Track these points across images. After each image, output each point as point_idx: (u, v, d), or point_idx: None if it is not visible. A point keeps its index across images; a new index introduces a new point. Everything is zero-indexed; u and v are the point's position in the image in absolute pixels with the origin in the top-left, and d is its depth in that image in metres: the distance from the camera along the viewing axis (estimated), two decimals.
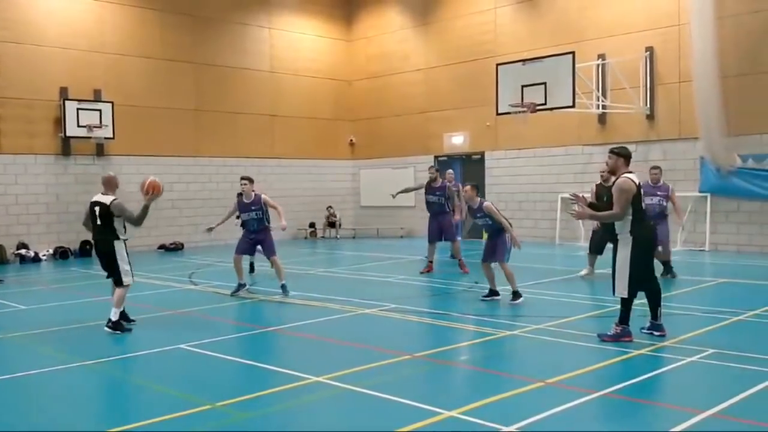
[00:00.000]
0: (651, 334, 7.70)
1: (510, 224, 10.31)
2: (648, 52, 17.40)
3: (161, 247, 19.78)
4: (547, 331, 8.22)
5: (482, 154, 21.11)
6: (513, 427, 4.98)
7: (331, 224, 23.41)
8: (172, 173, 20.13)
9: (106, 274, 8.82)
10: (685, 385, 6.23)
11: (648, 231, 7.60)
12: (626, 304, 7.57)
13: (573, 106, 15.71)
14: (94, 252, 9.03)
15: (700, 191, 16.77)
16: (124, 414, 5.81)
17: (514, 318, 8.93)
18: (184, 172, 20.45)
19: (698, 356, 6.83)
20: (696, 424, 5.00)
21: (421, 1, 22.42)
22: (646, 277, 7.59)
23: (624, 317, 7.59)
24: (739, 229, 16.35)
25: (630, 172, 7.57)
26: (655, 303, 7.70)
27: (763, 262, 14.30)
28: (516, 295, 10.13)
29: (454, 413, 5.30)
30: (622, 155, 7.65)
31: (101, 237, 8.64)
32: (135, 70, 19.68)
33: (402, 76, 22.99)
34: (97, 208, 8.58)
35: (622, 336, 7.57)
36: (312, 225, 23.32)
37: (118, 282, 8.63)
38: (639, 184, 7.51)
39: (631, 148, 18.10)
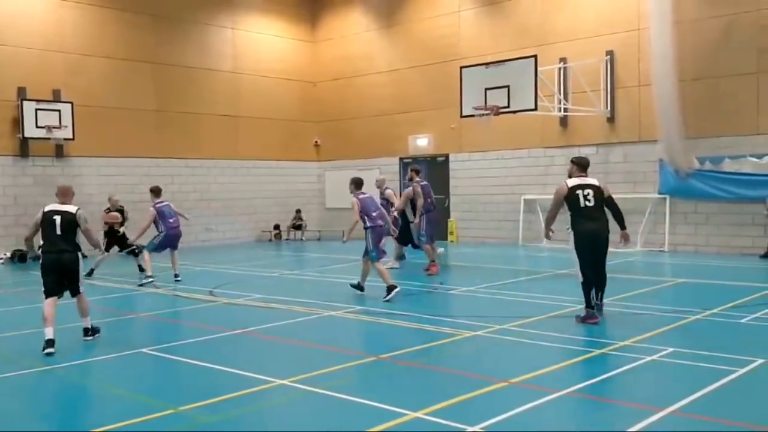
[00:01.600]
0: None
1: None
2: (608, 56, 17.69)
3: (130, 251, 19.41)
4: (511, 331, 8.31)
5: (447, 156, 21.24)
6: (477, 427, 5.02)
7: (297, 226, 23.33)
8: (133, 175, 19.86)
9: (53, 289, 7.91)
10: (645, 383, 6.34)
11: (580, 226, 8.57)
12: (584, 288, 8.54)
13: (535, 109, 15.90)
14: (46, 264, 7.93)
15: (660, 193, 17.10)
16: (84, 420, 5.71)
17: (477, 319, 9.00)
18: (145, 174, 20.16)
19: (658, 355, 6.96)
20: (656, 422, 5.10)
21: (386, 3, 22.47)
22: (594, 266, 8.59)
23: (587, 300, 8.51)
24: (697, 230, 16.72)
25: (580, 176, 8.74)
26: (599, 286, 8.68)
27: (720, 262, 14.64)
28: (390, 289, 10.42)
29: (419, 414, 5.33)
30: (574, 162, 8.98)
31: (65, 248, 7.93)
32: (95, 70, 19.37)
33: (367, 77, 23.02)
34: (57, 218, 7.96)
35: (587, 318, 8.46)
36: (276, 227, 23.21)
37: (75, 292, 8.10)
38: (573, 185, 8.62)
39: (591, 150, 18.65)
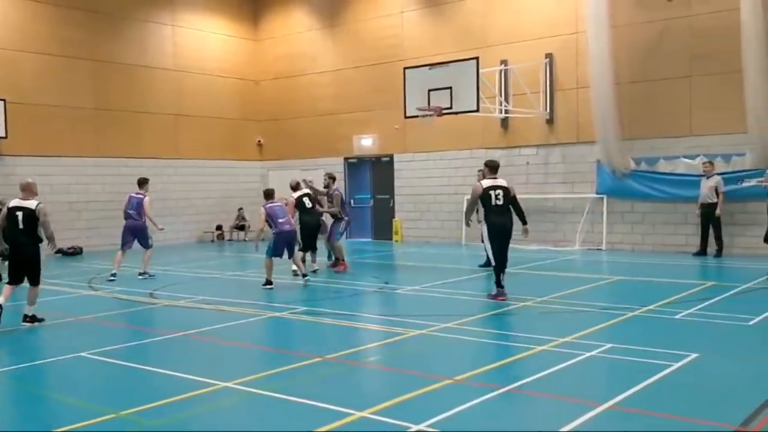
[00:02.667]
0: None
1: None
2: (547, 59, 18.05)
3: (59, 251, 18.88)
4: (454, 329, 8.41)
5: (391, 156, 21.32)
6: (423, 425, 5.07)
7: (240, 227, 23.06)
8: (71, 174, 19.33)
9: (12, 278, 8.90)
10: (584, 378, 6.51)
11: (491, 221, 10.22)
12: (496, 271, 10.24)
13: (477, 110, 16.11)
14: (9, 256, 8.99)
15: (597, 193, 17.54)
16: (21, 426, 5.53)
17: (422, 317, 9.08)
18: (83, 173, 19.66)
19: (597, 351, 7.15)
20: (595, 416, 5.24)
21: (328, 3, 22.42)
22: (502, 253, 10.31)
23: (498, 281, 10.22)
24: (633, 228, 17.21)
25: (492, 178, 10.33)
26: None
27: (655, 260, 15.10)
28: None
29: (365, 413, 5.35)
30: (487, 165, 10.60)
31: (26, 241, 8.76)
32: (29, 67, 18.75)
33: (310, 77, 22.92)
34: (19, 213, 8.73)
35: (497, 296, 10.16)
36: (219, 227, 22.90)
37: (35, 282, 8.89)
38: (487, 186, 10.19)
39: (532, 151, 18.99)
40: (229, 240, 22.89)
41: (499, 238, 10.25)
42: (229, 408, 5.77)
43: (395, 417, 5.25)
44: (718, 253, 15.16)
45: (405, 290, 11.60)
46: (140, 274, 13.54)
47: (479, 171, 12.80)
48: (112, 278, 13.09)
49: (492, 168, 10.51)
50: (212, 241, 22.50)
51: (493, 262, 10.38)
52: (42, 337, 8.37)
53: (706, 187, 15.24)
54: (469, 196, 11.44)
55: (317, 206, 14.05)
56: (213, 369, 6.82)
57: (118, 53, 20.55)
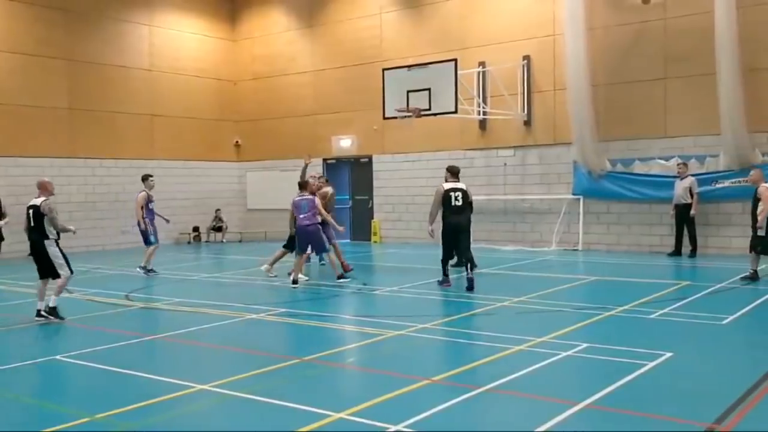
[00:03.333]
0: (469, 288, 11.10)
1: None
2: (525, 61, 18.16)
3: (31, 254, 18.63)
4: (432, 329, 8.42)
5: (370, 157, 21.32)
6: (401, 426, 5.07)
7: (217, 228, 22.92)
8: (45, 175, 18.78)
9: (38, 273, 9.45)
10: (561, 378, 6.55)
11: (448, 219, 11.45)
12: (443, 263, 11.63)
13: (456, 112, 16.16)
14: (30, 254, 9.57)
15: (574, 194, 17.68)
16: None
17: (400, 318, 9.09)
18: (58, 174, 19.36)
19: (573, 351, 7.20)
20: (572, 415, 5.27)
21: (306, 3, 22.37)
22: (455, 249, 11.62)
23: (444, 270, 11.64)
24: (609, 229, 17.37)
25: (453, 181, 11.69)
26: (468, 262, 11.37)
27: (631, 260, 15.25)
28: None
29: (343, 415, 5.34)
30: (448, 170, 11.97)
31: (35, 237, 9.33)
32: (3, 67, 18.50)
33: (289, 77, 22.85)
34: (30, 211, 9.36)
35: (443, 283, 11.58)
36: (196, 229, 22.74)
37: (55, 276, 9.35)
38: (446, 188, 11.48)
39: (509, 152, 19.10)
40: (206, 241, 22.74)
41: (453, 235, 11.49)
42: (206, 411, 5.73)
43: (373, 418, 5.25)
44: (693, 254, 15.35)
45: (383, 291, 11.60)
46: (139, 267, 14.15)
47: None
48: (149, 272, 13.93)
49: (453, 173, 11.92)
50: (189, 242, 22.34)
51: (441, 255, 11.69)
52: (16, 340, 8.26)
53: (681, 187, 15.42)
54: None
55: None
56: (190, 371, 6.78)
57: (93, 53, 20.34)
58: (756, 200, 11.53)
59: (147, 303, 10.81)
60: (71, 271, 9.51)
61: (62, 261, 9.40)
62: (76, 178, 19.88)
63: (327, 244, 12.59)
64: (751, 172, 12.26)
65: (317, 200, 12.53)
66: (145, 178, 14.53)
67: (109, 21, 20.77)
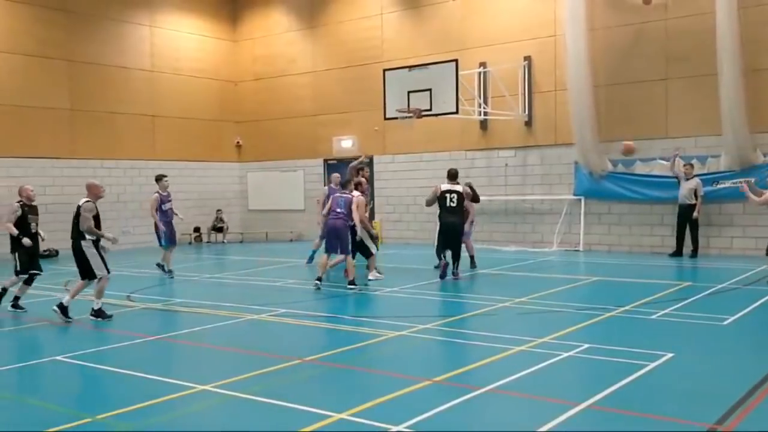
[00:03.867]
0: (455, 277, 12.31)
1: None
2: (526, 61, 18.15)
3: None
4: (433, 330, 8.43)
5: (371, 158, 21.30)
6: (402, 426, 5.07)
7: (218, 229, 22.92)
8: (46, 176, 19.07)
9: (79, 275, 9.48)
10: (562, 378, 6.55)
11: (442, 219, 12.48)
12: (437, 254, 12.74)
13: (457, 112, 16.16)
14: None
15: (575, 194, 17.67)
16: None
17: (401, 319, 9.09)
18: (59, 175, 19.42)
19: (575, 351, 7.20)
20: (574, 416, 5.27)
21: (307, 4, 22.38)
22: (445, 245, 12.54)
23: (439, 257, 12.69)
24: (610, 229, 17.36)
25: (451, 183, 12.60)
26: (454, 259, 12.47)
27: (632, 260, 15.24)
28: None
29: (343, 415, 5.34)
30: (448, 173, 12.92)
31: (72, 237, 9.42)
32: (4, 67, 18.51)
33: (290, 78, 22.86)
34: (75, 211, 9.41)
35: (437, 267, 12.75)
36: (197, 229, 22.75)
37: (92, 276, 9.38)
38: (443, 189, 12.46)
39: (510, 153, 19.10)
40: (207, 242, 22.75)
41: (445, 234, 12.51)
42: (207, 411, 5.74)
43: (374, 418, 5.25)
44: (694, 254, 15.34)
45: (384, 292, 11.59)
46: (157, 264, 14.22)
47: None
48: (167, 273, 13.88)
49: (451, 175, 12.78)
50: (190, 243, 22.34)
51: (436, 249, 12.87)
52: (17, 341, 8.26)
53: (686, 188, 15.36)
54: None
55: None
56: (190, 372, 6.78)
57: (94, 54, 20.35)
58: None
59: (148, 304, 10.81)
60: (108, 271, 9.55)
61: (99, 261, 9.41)
62: (78, 179, 19.79)
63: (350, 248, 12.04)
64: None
65: (356, 201, 11.95)
66: (158, 179, 14.28)
67: (109, 22, 20.78)
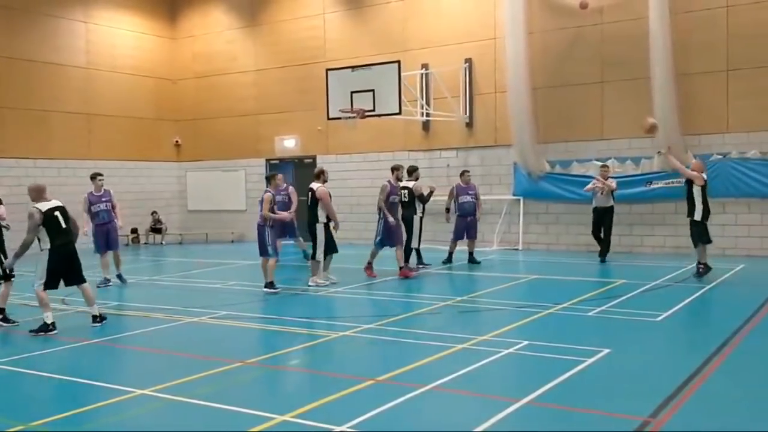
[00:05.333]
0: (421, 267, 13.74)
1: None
2: (467, 64, 18.37)
3: None
4: (377, 330, 8.45)
5: (314, 157, 21.21)
6: (345, 427, 5.07)
7: (156, 230, 22.45)
8: None
9: (64, 282, 8.87)
10: (502, 375, 6.66)
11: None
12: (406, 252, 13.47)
13: (399, 113, 16.23)
14: (58, 260, 8.76)
15: (514, 194, 17.97)
16: None
17: (345, 319, 9.08)
18: None
19: (514, 348, 7.33)
20: (513, 412, 5.37)
21: (248, 2, 22.14)
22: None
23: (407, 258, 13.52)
24: (548, 229, 17.72)
25: (412, 181, 13.72)
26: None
27: (569, 259, 15.59)
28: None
29: (286, 417, 5.31)
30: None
31: (71, 239, 8.94)
32: None
33: (231, 77, 22.56)
34: (58, 213, 8.78)
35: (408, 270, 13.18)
36: (134, 231, 22.24)
37: (83, 280, 9.01)
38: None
39: (452, 154, 19.23)
40: (145, 243, 22.27)
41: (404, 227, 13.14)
42: (145, 416, 5.62)
43: (317, 419, 5.24)
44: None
45: (327, 292, 11.56)
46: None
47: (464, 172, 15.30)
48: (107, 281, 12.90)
49: (408, 172, 13.71)
50: (127, 244, 21.80)
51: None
52: None
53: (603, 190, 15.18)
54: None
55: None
56: (129, 376, 6.64)
57: (27, 50, 19.66)
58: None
59: (83, 307, 10.51)
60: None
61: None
62: (8, 179, 19.15)
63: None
64: (693, 161, 12.52)
65: (265, 197, 11.78)
66: (92, 178, 13.26)
67: (42, 17, 20.10)
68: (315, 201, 11.92)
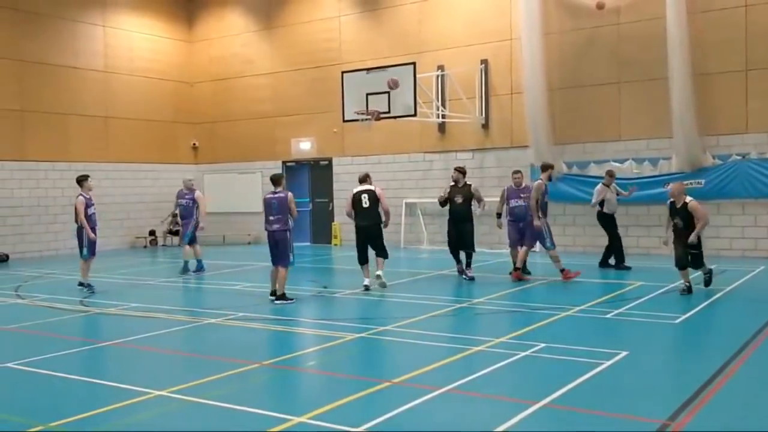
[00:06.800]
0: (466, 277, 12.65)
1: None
2: (483, 65, 18.33)
3: None
4: (393, 332, 8.44)
5: (330, 159, 21.27)
6: (361, 428, 5.07)
7: (174, 232, 22.57)
8: None
9: None
10: (520, 378, 6.63)
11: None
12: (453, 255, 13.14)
13: (415, 115, 16.22)
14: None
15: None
16: None
17: (361, 321, 9.09)
18: (8, 177, 18.93)
19: (531, 350, 7.29)
20: (531, 415, 5.35)
21: (264, 5, 22.23)
22: (455, 245, 13.08)
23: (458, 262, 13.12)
24: (565, 230, 17.63)
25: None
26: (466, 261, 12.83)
27: (585, 261, 15.47)
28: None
29: (303, 419, 5.32)
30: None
31: None
32: None
33: (247, 79, 22.67)
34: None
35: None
36: (152, 233, 22.39)
37: None
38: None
39: (467, 155, 19.20)
40: (163, 245, 22.41)
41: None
42: (162, 417, 5.65)
43: (334, 421, 5.24)
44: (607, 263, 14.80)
45: (344, 294, 11.58)
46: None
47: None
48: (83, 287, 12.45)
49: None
50: (145, 246, 21.98)
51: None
52: None
53: (615, 196, 15.02)
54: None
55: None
56: (146, 378, 6.67)
57: (46, 54, 19.88)
58: (674, 213, 10.86)
59: (102, 309, 10.60)
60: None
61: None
62: (28, 181, 19.41)
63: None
64: (671, 186, 11.27)
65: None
66: (81, 180, 12.71)
67: (62, 21, 20.32)
68: (376, 200, 11.90)
